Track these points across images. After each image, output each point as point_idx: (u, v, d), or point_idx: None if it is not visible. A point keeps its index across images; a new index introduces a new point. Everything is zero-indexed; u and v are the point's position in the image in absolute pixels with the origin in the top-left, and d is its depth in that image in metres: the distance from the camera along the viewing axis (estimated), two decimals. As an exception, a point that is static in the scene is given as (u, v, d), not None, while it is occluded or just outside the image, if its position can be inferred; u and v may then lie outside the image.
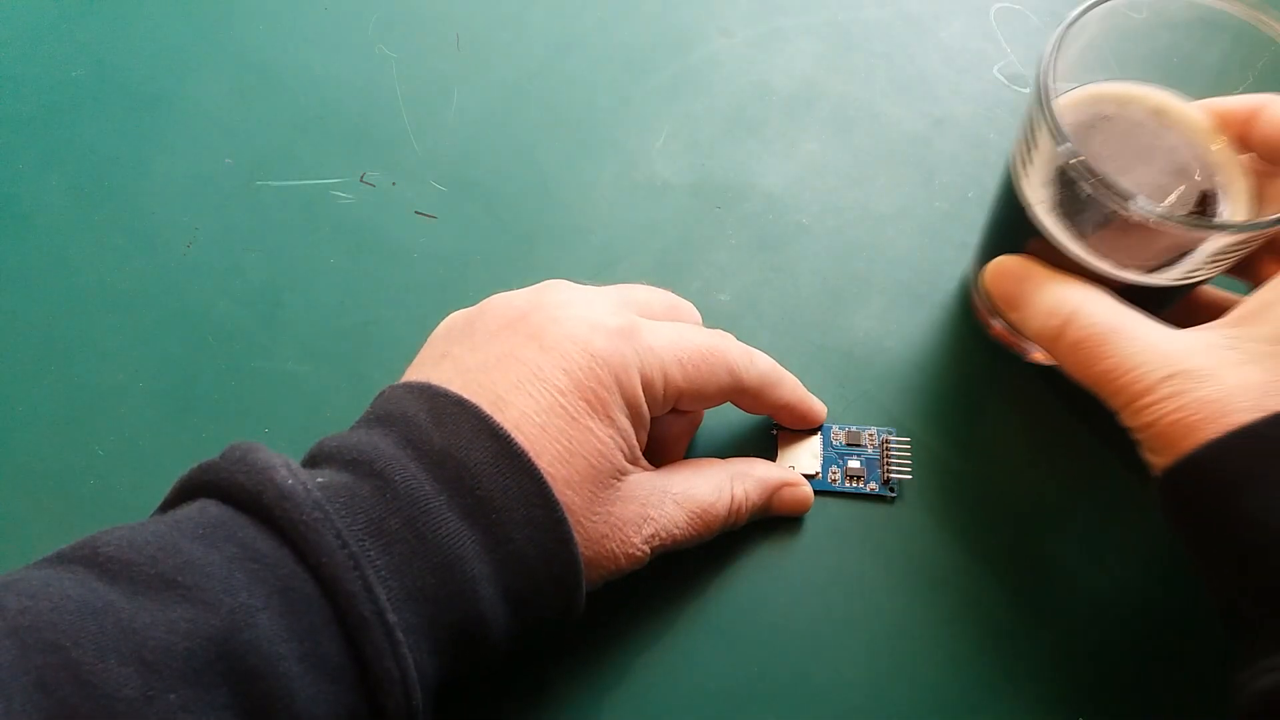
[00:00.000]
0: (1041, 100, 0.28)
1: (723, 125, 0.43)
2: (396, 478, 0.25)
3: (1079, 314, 0.29)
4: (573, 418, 0.27)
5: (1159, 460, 0.27)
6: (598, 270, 0.40)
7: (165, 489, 0.26)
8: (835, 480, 0.35)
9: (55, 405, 0.36)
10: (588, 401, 0.28)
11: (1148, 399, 0.27)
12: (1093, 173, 0.27)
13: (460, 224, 0.41)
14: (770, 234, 0.41)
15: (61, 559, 0.23)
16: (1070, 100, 0.32)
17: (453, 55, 0.45)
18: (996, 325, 0.37)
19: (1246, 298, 0.28)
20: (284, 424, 0.36)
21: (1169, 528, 0.28)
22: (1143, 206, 0.27)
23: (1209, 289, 0.34)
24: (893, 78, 0.45)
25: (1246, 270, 0.32)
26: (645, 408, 0.29)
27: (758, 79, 0.45)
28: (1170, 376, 0.26)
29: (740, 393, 0.32)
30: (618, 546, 0.28)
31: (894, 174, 0.42)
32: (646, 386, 0.29)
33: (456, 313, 0.32)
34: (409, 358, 0.31)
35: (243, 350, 0.38)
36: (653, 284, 0.34)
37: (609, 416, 0.28)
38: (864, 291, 0.39)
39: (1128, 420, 0.28)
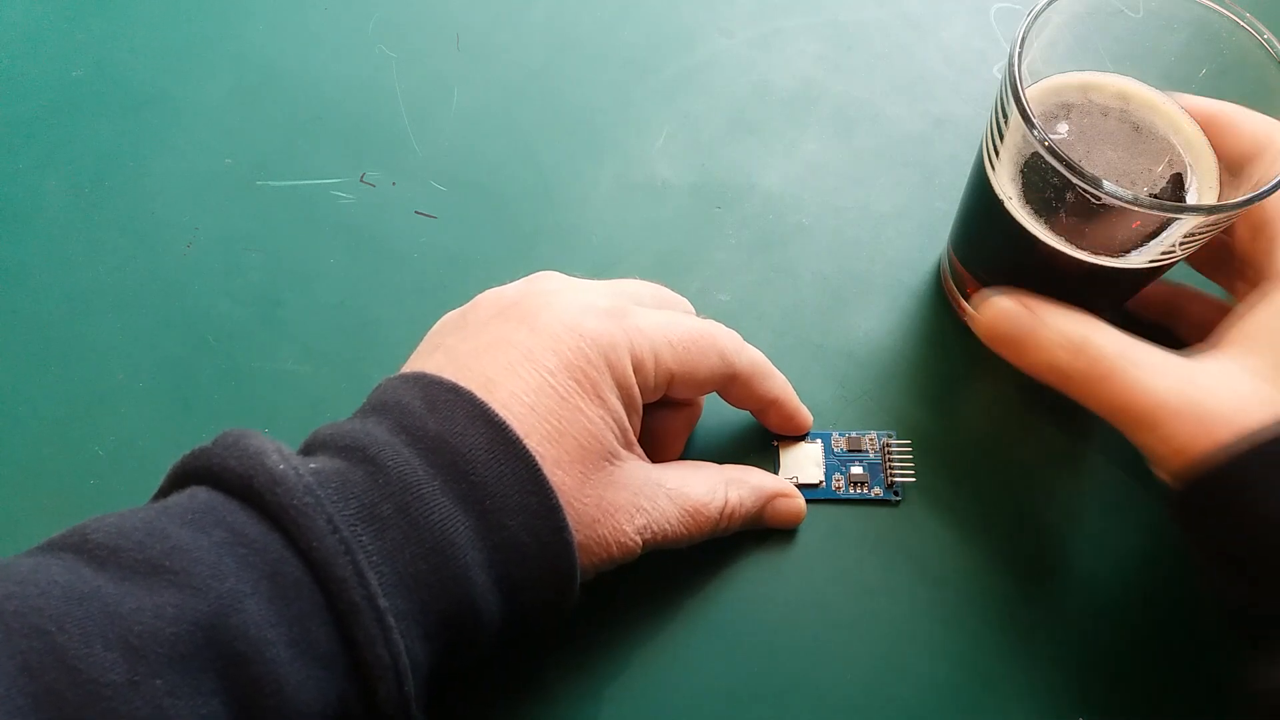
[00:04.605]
0: (1012, 89, 0.29)
1: (723, 125, 0.43)
2: (389, 463, 0.25)
3: (1086, 345, 0.29)
4: (562, 397, 0.27)
5: (1173, 472, 0.28)
6: (598, 270, 0.40)
7: (165, 489, 0.26)
8: (840, 488, 0.35)
9: (55, 405, 0.36)
10: (577, 381, 0.28)
11: (1166, 420, 0.27)
12: (1062, 158, 0.27)
13: (460, 224, 0.41)
14: (770, 234, 0.41)
15: (51, 546, 0.23)
16: (1033, 93, 0.32)
17: (453, 55, 0.45)
18: (967, 310, 0.37)
19: (1241, 321, 0.29)
20: (284, 424, 0.36)
21: (1185, 537, 0.29)
22: (1112, 191, 0.27)
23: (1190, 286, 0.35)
24: (893, 78, 0.45)
25: (1216, 270, 0.34)
26: (636, 389, 0.29)
27: (758, 79, 0.45)
28: (1184, 397, 0.27)
29: (731, 378, 0.32)
30: (609, 533, 0.28)
31: (894, 174, 0.42)
32: (637, 367, 0.29)
33: (449, 312, 0.32)
34: (408, 357, 0.31)
35: (243, 350, 0.38)
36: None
37: (599, 396, 0.28)
38: (864, 291, 0.39)
39: (1143, 440, 0.28)
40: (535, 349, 0.28)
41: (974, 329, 0.33)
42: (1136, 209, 0.27)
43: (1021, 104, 0.28)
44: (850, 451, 0.35)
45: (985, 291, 0.32)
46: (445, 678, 0.27)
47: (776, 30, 0.46)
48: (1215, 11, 0.30)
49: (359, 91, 0.44)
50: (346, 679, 0.23)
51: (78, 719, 0.20)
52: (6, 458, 0.35)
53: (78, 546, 0.23)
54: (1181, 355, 0.29)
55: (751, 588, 0.33)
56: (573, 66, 0.45)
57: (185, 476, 0.25)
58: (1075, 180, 0.27)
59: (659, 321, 0.30)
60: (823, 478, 0.35)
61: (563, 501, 0.26)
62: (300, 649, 0.23)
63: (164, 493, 0.26)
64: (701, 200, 0.41)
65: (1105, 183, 0.27)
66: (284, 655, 0.22)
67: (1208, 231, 0.29)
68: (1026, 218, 0.31)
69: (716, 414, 0.36)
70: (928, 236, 0.40)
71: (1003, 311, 0.32)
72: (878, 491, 0.35)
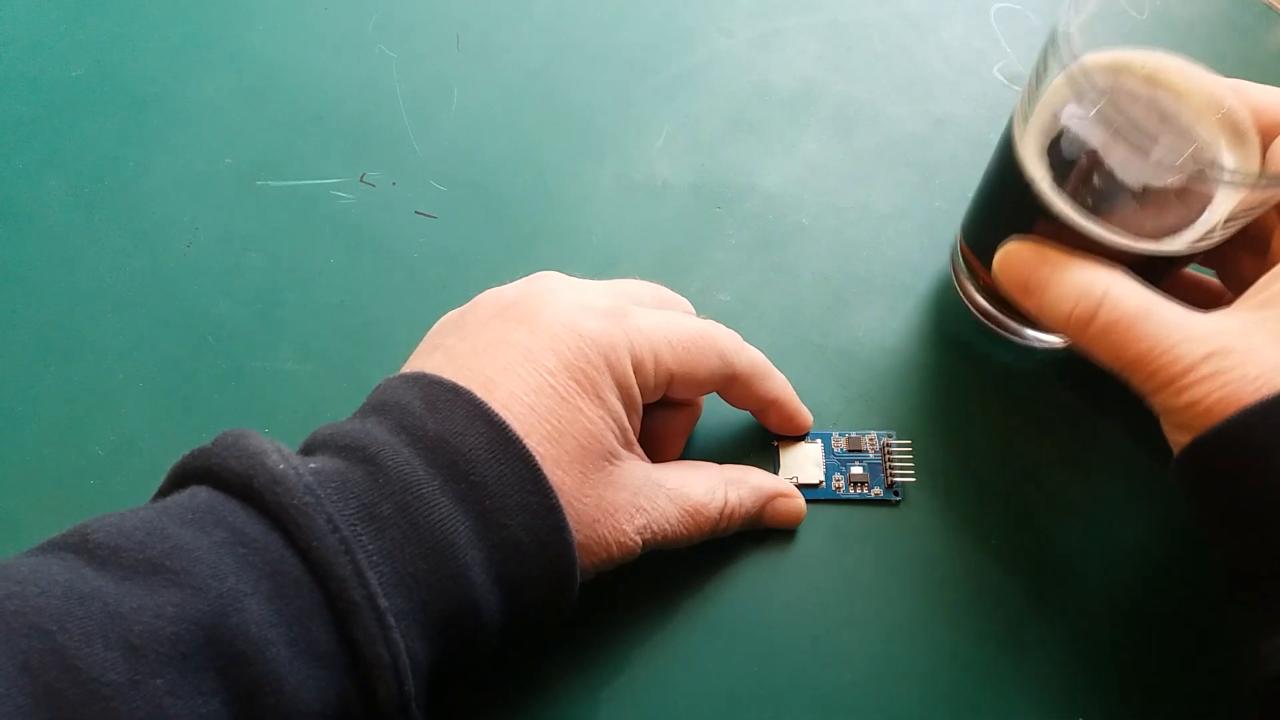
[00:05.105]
0: (1059, 50, 0.27)
1: (723, 125, 0.43)
2: (389, 463, 0.25)
3: (1109, 297, 0.28)
4: (562, 398, 0.28)
5: (1195, 431, 0.27)
6: (598, 270, 0.40)
7: (165, 489, 0.26)
8: (840, 488, 0.35)
9: (55, 405, 0.36)
10: (577, 381, 0.28)
11: (1190, 378, 0.27)
12: (1123, 113, 0.26)
13: (460, 224, 0.41)
14: (770, 234, 0.41)
15: (52, 546, 0.23)
16: (1061, 76, 0.31)
17: (453, 55, 0.45)
18: (981, 302, 0.37)
19: (1268, 287, 0.28)
20: (284, 424, 0.36)
21: (1192, 499, 0.28)
22: (1168, 150, 0.25)
23: (1190, 272, 0.34)
24: (893, 78, 0.45)
25: (1216, 261, 0.33)
26: (636, 389, 0.29)
27: (758, 79, 0.45)
28: (1210, 355, 0.26)
29: (731, 379, 0.32)
30: (609, 533, 0.28)
31: (894, 174, 0.42)
32: (637, 367, 0.29)
33: (449, 312, 0.32)
34: (408, 357, 0.31)
35: (243, 350, 0.38)
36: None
37: (599, 396, 0.28)
38: (864, 291, 0.39)
39: (1166, 400, 0.27)
40: (535, 349, 0.28)
41: (994, 279, 0.32)
42: (1187, 171, 0.25)
43: (1076, 64, 0.26)
44: (850, 451, 0.35)
45: (1013, 243, 0.31)
46: (445, 677, 0.27)
47: (776, 30, 0.46)
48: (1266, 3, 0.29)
49: (359, 91, 0.44)
50: (346, 678, 0.23)
51: (78, 718, 0.20)
52: (6, 458, 0.35)
53: (78, 546, 0.23)
54: (1205, 315, 0.28)
55: (751, 587, 0.33)
56: (573, 66, 0.45)
57: (185, 476, 0.25)
58: (1134, 139, 0.26)
59: (659, 322, 0.30)
60: (823, 478, 0.35)
61: (562, 501, 0.26)
62: (300, 648, 0.23)
63: (164, 493, 0.26)
64: (701, 200, 0.41)
65: (1161, 141, 0.25)
66: (284, 654, 0.22)
67: (1254, 211, 0.28)
68: (1056, 200, 0.30)
69: (716, 414, 0.36)
70: (928, 236, 0.40)
71: (1019, 256, 0.31)
72: (878, 491, 0.35)
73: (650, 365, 0.29)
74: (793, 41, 0.46)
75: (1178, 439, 0.28)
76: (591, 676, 0.32)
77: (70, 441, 0.36)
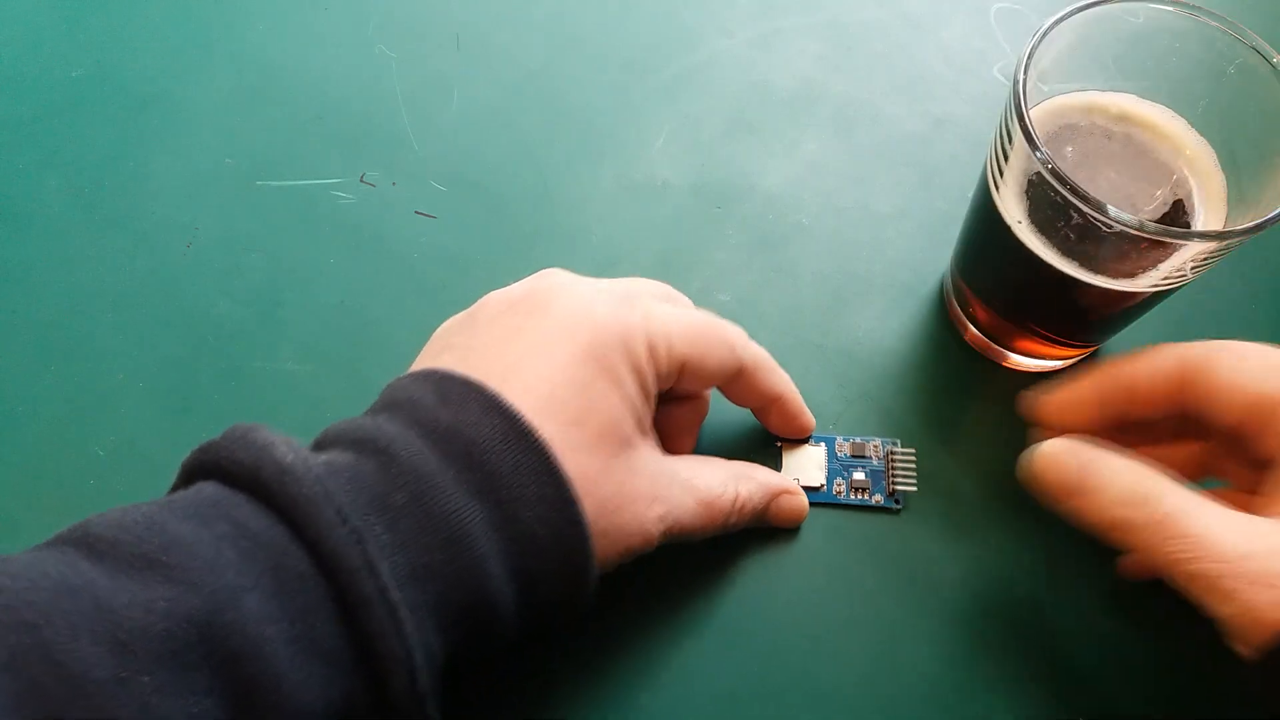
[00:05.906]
0: (1017, 113, 0.28)
1: (723, 125, 0.43)
2: (401, 453, 0.25)
3: (1148, 502, 0.27)
4: (579, 384, 0.27)
5: (1255, 645, 0.25)
6: (598, 270, 0.39)
7: (165, 489, 0.26)
8: (840, 493, 0.35)
9: (55, 405, 0.36)
10: (593, 368, 0.27)
11: (1239, 586, 0.25)
12: (1067, 183, 0.27)
13: (460, 224, 0.41)
14: (770, 234, 0.41)
15: (57, 540, 0.23)
16: (1035, 115, 0.31)
17: (453, 55, 0.45)
18: (972, 331, 0.37)
19: None
20: (284, 424, 0.35)
21: (1272, 708, 0.26)
22: (1117, 216, 0.27)
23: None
24: (893, 78, 0.45)
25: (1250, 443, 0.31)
26: (651, 376, 0.29)
27: (758, 79, 0.45)
28: (1260, 562, 0.25)
29: (738, 371, 0.32)
30: (631, 520, 0.28)
31: (894, 174, 0.42)
32: (651, 352, 0.29)
33: (453, 316, 0.32)
34: (409, 358, 0.31)
35: (243, 350, 0.38)
36: (653, 284, 0.34)
37: (616, 382, 0.28)
38: (864, 291, 0.39)
39: (1217, 609, 0.26)
40: (550, 337, 0.28)
41: (1019, 471, 0.30)
42: (1141, 235, 0.27)
43: (1027, 129, 0.28)
44: (854, 457, 0.35)
45: (1053, 443, 0.30)
46: (458, 671, 0.27)
47: (776, 30, 0.46)
48: (1225, 31, 0.30)
49: (359, 91, 0.44)
50: (354, 674, 0.23)
51: (60, 716, 0.20)
52: (6, 458, 0.35)
53: (79, 540, 0.22)
54: (1251, 519, 0.26)
55: (752, 588, 0.33)
56: (573, 66, 0.45)
57: (194, 471, 0.25)
58: (1081, 205, 0.27)
59: (670, 310, 0.30)
60: (824, 481, 0.35)
61: (584, 489, 0.26)
62: (301, 645, 0.22)
63: (176, 489, 0.25)
64: (701, 200, 0.41)
65: (1110, 208, 0.26)
66: (283, 652, 0.22)
67: (1218, 255, 0.28)
68: (1033, 240, 0.30)
69: (719, 414, 0.36)
70: (928, 237, 0.40)
71: (1055, 459, 0.29)
72: (879, 499, 0.35)
73: (664, 351, 0.29)
74: (793, 41, 0.46)
75: (1242, 651, 0.26)
76: (591, 676, 0.32)
77: (70, 441, 0.36)
